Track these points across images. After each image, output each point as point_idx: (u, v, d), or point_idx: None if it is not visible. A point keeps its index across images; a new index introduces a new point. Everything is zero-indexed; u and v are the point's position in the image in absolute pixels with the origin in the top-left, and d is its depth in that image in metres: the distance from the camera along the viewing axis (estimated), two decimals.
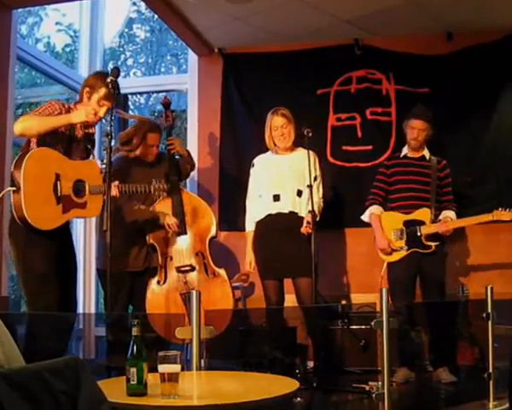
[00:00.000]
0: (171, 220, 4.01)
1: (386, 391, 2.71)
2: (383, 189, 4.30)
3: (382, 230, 4.20)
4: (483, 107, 4.94)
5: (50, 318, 3.22)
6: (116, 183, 3.52)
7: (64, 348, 3.39)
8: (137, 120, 4.33)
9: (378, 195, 4.31)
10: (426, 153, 4.29)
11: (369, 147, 5.17)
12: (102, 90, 3.40)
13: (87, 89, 3.45)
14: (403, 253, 4.12)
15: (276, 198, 4.14)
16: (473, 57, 4.95)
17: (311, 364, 4.21)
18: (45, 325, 3.22)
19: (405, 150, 4.31)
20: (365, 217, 4.33)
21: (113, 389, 2.03)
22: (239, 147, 5.45)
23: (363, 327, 4.41)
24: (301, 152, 4.18)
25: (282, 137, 4.15)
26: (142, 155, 4.17)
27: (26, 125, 3.20)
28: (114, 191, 3.44)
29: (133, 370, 2.02)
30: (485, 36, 4.87)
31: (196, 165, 5.53)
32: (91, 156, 3.55)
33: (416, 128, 4.20)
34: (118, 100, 3.54)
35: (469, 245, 4.89)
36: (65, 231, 3.48)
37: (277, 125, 4.16)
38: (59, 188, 3.26)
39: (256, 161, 4.32)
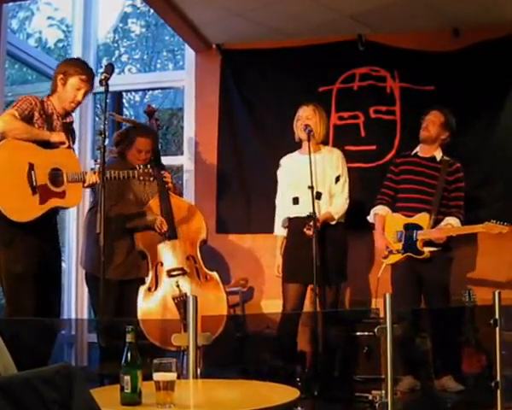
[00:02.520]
0: (159, 221, 4.02)
1: (389, 400, 2.70)
2: (391, 188, 4.31)
3: (383, 231, 4.23)
4: (490, 106, 4.93)
5: (31, 322, 3.22)
6: (96, 170, 3.54)
7: (47, 355, 3.40)
8: (131, 124, 4.36)
9: (386, 194, 4.32)
10: (437, 153, 4.26)
11: (373, 147, 5.16)
12: (77, 74, 3.46)
13: (61, 76, 3.48)
14: (399, 256, 4.14)
15: (295, 201, 4.18)
16: (480, 54, 4.94)
17: (312, 372, 4.20)
18: (25, 330, 3.21)
19: (417, 149, 4.31)
20: (370, 217, 4.36)
21: (107, 397, 2.03)
22: (238, 146, 5.44)
23: (365, 334, 4.41)
24: (326, 151, 4.19)
25: (302, 127, 4.16)
26: (130, 159, 4.17)
27: (10, 127, 3.26)
28: (94, 178, 3.43)
29: (127, 378, 2.02)
30: (492, 32, 4.86)
31: (193, 165, 5.56)
32: (71, 145, 3.56)
33: (428, 120, 4.22)
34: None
35: (477, 250, 4.89)
36: (50, 230, 3.48)
37: (302, 114, 4.20)
38: (33, 178, 3.26)
39: (282, 161, 4.36)
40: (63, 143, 3.41)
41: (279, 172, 4.37)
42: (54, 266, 3.52)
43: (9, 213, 3.18)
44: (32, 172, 3.26)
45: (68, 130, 3.58)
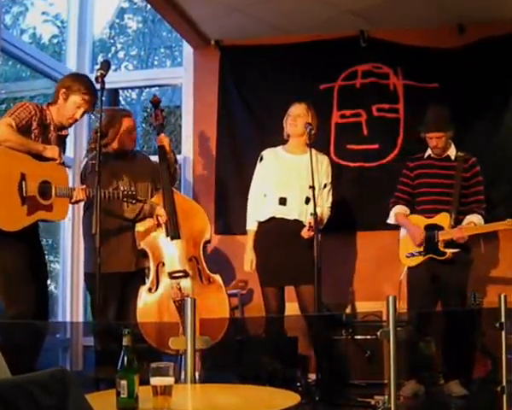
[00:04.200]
0: (161, 211, 3.99)
1: (392, 406, 2.70)
2: (406, 192, 4.29)
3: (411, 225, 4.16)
4: (494, 104, 4.93)
5: (25, 323, 3.24)
6: (83, 186, 3.60)
7: (35, 357, 3.42)
8: (107, 112, 4.27)
9: (401, 198, 4.30)
10: (451, 152, 4.23)
11: (376, 145, 5.16)
12: (80, 93, 3.50)
13: (63, 90, 3.53)
14: (420, 258, 4.13)
15: (282, 202, 4.13)
16: (485, 51, 4.95)
17: (313, 376, 4.20)
18: (19, 332, 3.24)
19: (429, 151, 4.27)
20: (390, 219, 4.31)
21: (103, 403, 2.03)
22: (237, 145, 5.44)
23: (368, 337, 4.41)
24: (315, 154, 4.20)
25: (293, 123, 4.16)
26: (121, 143, 4.10)
27: (3, 138, 3.27)
28: (82, 194, 3.50)
29: (123, 382, 2.01)
30: (497, 28, 4.87)
31: (191, 165, 5.55)
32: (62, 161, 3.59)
33: (433, 138, 4.17)
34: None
35: (481, 251, 4.88)
36: (33, 235, 3.52)
37: (294, 111, 4.19)
38: (24, 188, 3.30)
39: (265, 154, 4.30)
40: (55, 159, 3.44)
41: (260, 165, 4.29)
42: (41, 271, 3.55)
43: None
44: (24, 182, 3.30)
45: (62, 143, 3.64)
